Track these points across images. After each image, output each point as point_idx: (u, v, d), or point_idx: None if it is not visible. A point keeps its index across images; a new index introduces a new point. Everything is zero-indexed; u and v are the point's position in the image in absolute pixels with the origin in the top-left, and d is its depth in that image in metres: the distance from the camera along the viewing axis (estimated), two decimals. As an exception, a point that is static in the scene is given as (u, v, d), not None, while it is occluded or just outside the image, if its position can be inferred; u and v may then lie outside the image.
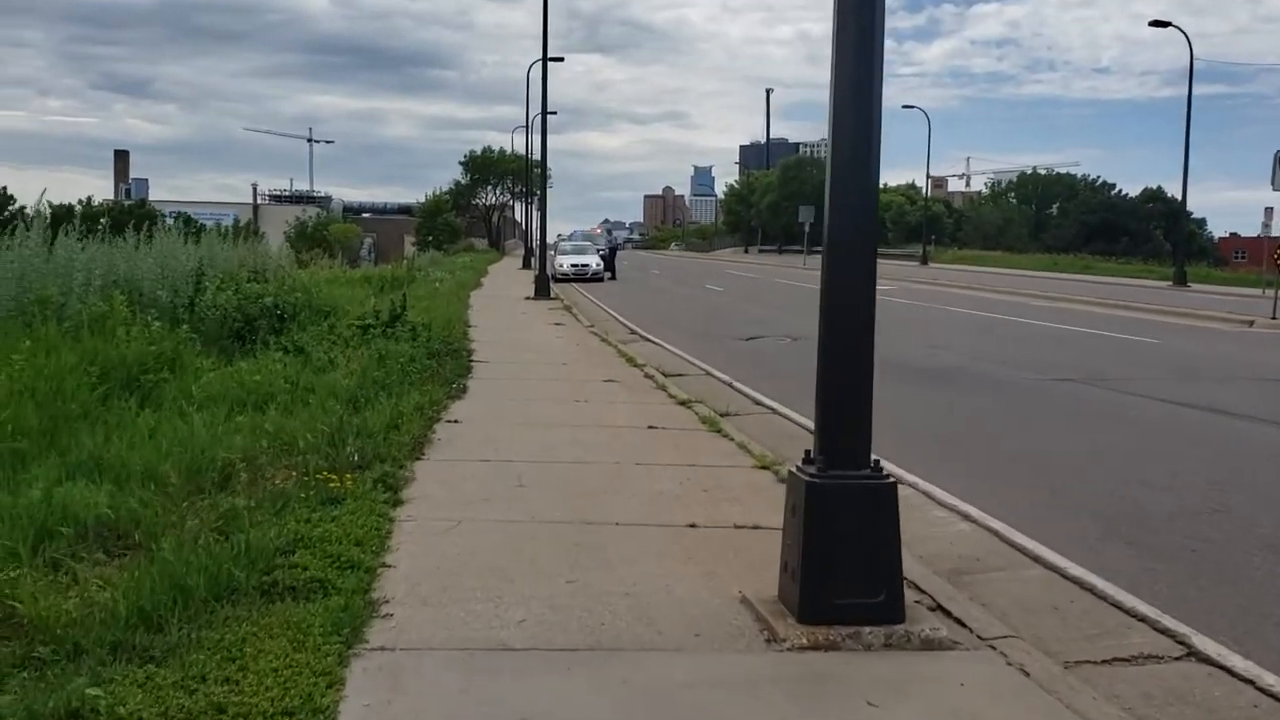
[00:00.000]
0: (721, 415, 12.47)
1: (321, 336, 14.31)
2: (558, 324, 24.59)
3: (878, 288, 5.84)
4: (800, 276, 55.07)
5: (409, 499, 7.74)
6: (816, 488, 5.47)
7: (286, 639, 4.90)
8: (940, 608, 6.08)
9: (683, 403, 13.08)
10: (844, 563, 5.43)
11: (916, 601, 6.00)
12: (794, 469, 5.74)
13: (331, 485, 7.43)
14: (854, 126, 5.58)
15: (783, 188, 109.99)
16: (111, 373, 8.79)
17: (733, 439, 10.77)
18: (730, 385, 15.49)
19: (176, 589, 5.14)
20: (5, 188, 70.77)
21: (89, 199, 70.13)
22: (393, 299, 17.22)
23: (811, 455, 5.67)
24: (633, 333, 24.07)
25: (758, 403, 13.94)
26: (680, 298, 37.92)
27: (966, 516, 8.30)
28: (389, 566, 6.20)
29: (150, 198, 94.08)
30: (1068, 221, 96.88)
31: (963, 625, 5.80)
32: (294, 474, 7.77)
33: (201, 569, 5.33)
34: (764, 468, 9.39)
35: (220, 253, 17.30)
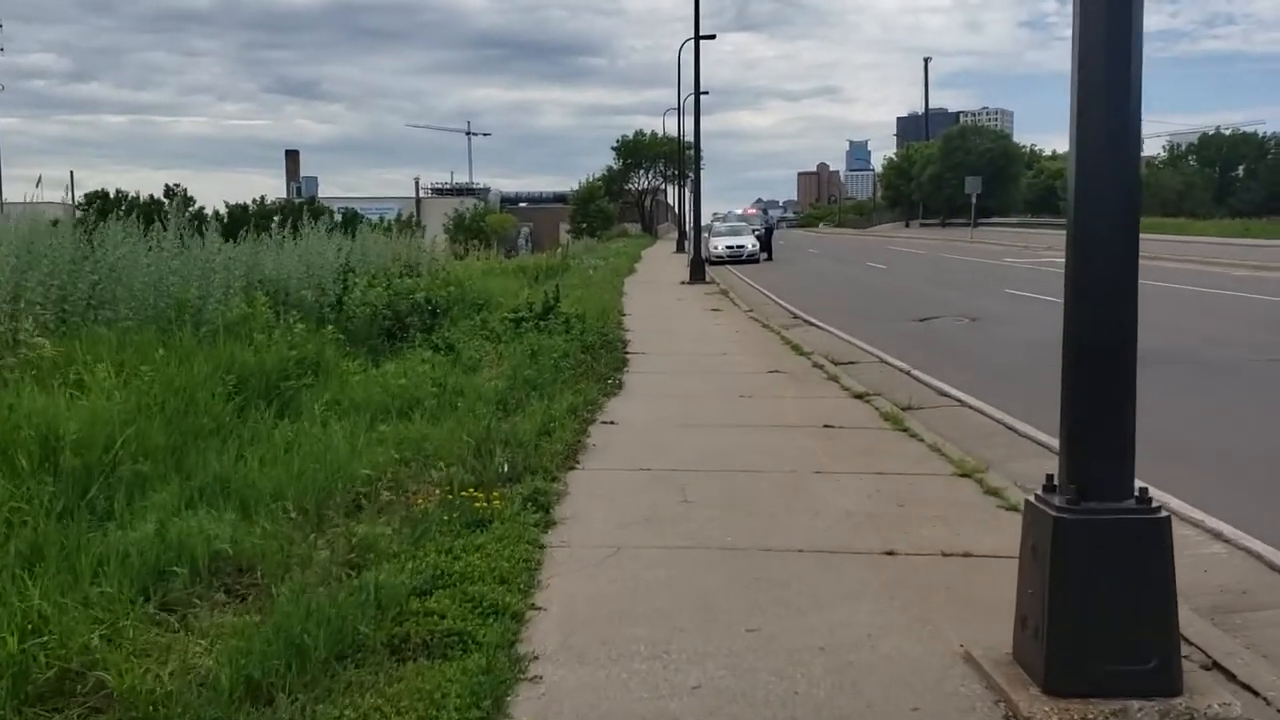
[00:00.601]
0: (904, 410, 11.27)
1: (474, 332, 13.68)
2: (714, 310, 23.59)
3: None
4: (969, 250, 52.64)
5: (562, 519, 6.87)
6: (1067, 525, 4.32)
7: (416, 714, 4.06)
8: (1217, 665, 4.85)
9: (859, 396, 11.93)
10: (1103, 619, 4.28)
11: (1185, 656, 4.79)
12: (1034, 498, 4.59)
13: (477, 505, 6.62)
14: (1109, 87, 4.34)
15: (945, 159, 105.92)
16: (249, 381, 8.22)
17: (922, 439, 9.58)
18: (909, 374, 14.23)
19: (292, 649, 4.36)
20: (186, 189, 73.39)
21: (262, 198, 72.51)
22: (545, 290, 16.53)
23: (1055, 481, 4.51)
24: (795, 317, 22.87)
25: (942, 394, 12.66)
26: (842, 278, 36.39)
27: (1217, 535, 6.96)
28: (538, 609, 5.32)
29: (319, 194, 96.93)
30: (1256, 184, 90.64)
31: (1252, 692, 4.57)
32: (437, 491, 6.99)
33: (322, 622, 4.54)
34: (964, 475, 8.19)
35: (374, 248, 16.89)
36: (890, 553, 6.30)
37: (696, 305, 24.91)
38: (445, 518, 6.41)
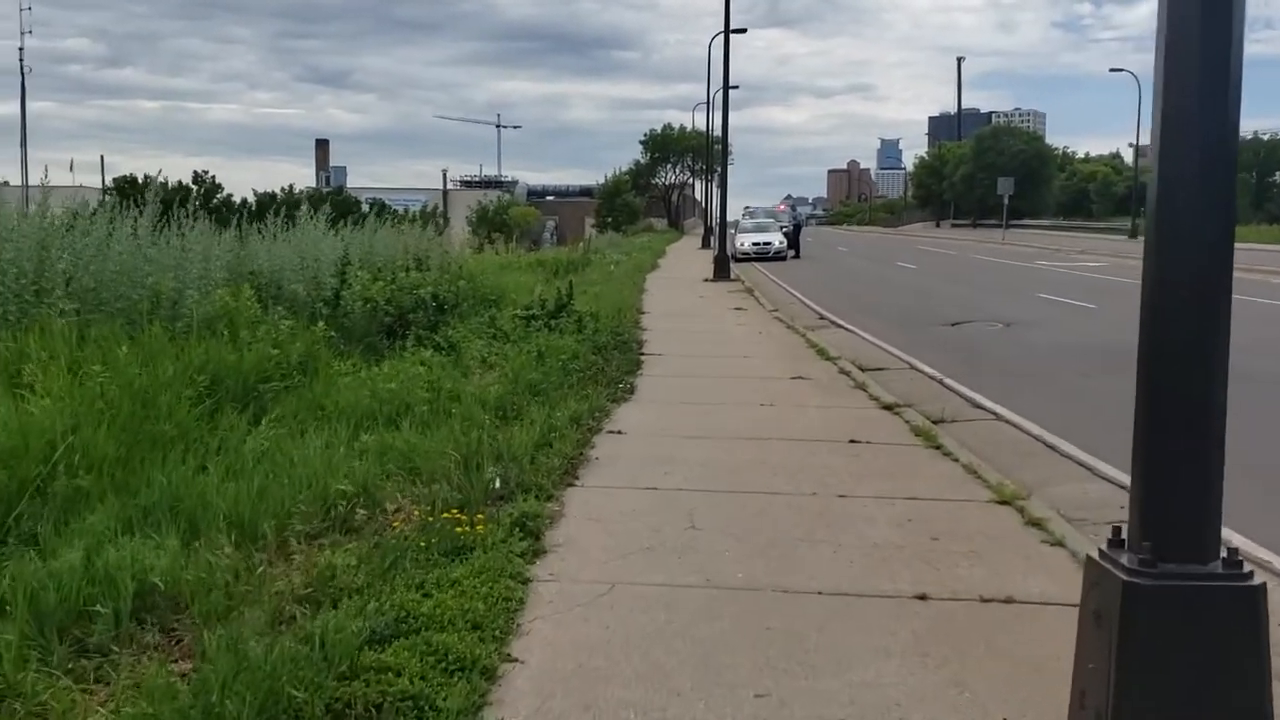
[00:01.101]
0: (936, 422, 10.52)
1: (480, 330, 12.99)
2: (738, 309, 22.82)
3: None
4: (1001, 252, 51.62)
5: (553, 546, 6.15)
6: (1141, 591, 3.55)
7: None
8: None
9: (887, 407, 11.16)
10: (1182, 707, 3.53)
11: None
12: (1099, 554, 3.82)
13: (459, 530, 5.91)
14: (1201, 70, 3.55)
15: (977, 159, 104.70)
16: (224, 382, 7.54)
17: (956, 458, 8.82)
18: (940, 383, 13.44)
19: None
20: (214, 176, 71.94)
21: (290, 186, 71.64)
22: (558, 287, 15.82)
23: (1125, 535, 3.75)
24: (821, 318, 22.09)
25: (977, 405, 11.87)
26: (871, 277, 35.51)
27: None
28: (515, 661, 4.60)
29: (349, 185, 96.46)
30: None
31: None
32: (416, 512, 6.30)
33: (252, 683, 3.84)
34: (1004, 502, 7.42)
35: (381, 240, 16.20)
36: (922, 597, 5.56)
37: (719, 304, 24.15)
38: (423, 543, 5.72)
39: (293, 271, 10.86)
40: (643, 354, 14.64)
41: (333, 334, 10.02)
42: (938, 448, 9.24)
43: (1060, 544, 6.50)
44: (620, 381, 11.80)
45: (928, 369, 14.43)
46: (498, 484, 7.04)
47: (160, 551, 4.88)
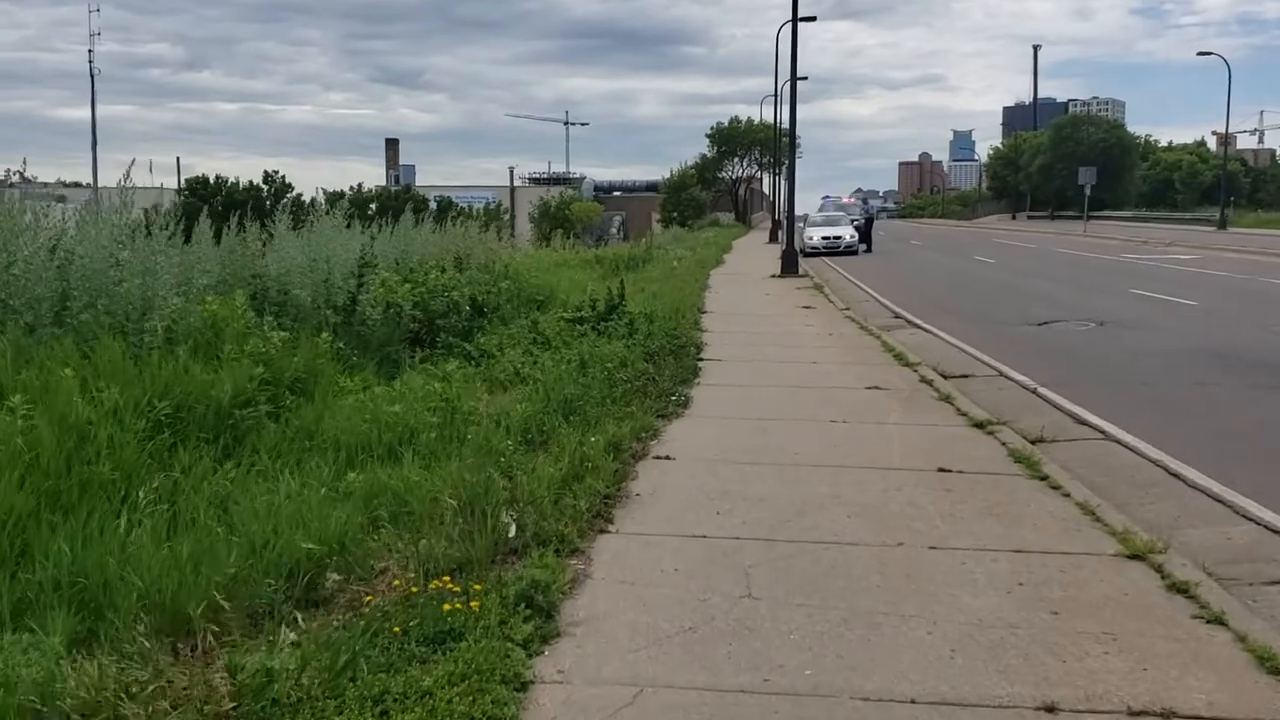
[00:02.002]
0: (1034, 442, 9.08)
1: (519, 336, 11.72)
2: (806, 307, 21.33)
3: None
4: (1083, 245, 49.35)
5: (568, 626, 4.84)
6: None
7: None
8: None
9: (978, 424, 9.71)
10: None
11: None
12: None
13: (448, 607, 4.63)
14: None
15: (1055, 148, 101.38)
16: (193, 409, 6.33)
17: (1067, 492, 7.37)
18: (1035, 393, 11.91)
19: None
20: (284, 176, 70.90)
21: (359, 185, 70.88)
22: (609, 286, 14.52)
23: None
24: (896, 317, 20.53)
25: (1080, 421, 10.34)
26: (947, 272, 33.67)
27: None
28: (492, 823, 3.31)
29: (417, 183, 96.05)
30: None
31: None
32: (399, 579, 5.04)
33: None
34: (1135, 556, 5.98)
35: (418, 239, 15.00)
36: (1050, 709, 4.17)
37: (786, 302, 22.67)
38: (397, 628, 4.45)
39: (301, 275, 9.70)
40: (700, 359, 13.30)
41: (341, 345, 8.79)
42: (1043, 478, 7.79)
43: (1221, 622, 5.06)
44: (672, 393, 10.47)
45: (1018, 376, 12.89)
46: (511, 532, 5.77)
47: (33, 655, 3.66)
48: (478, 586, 4.88)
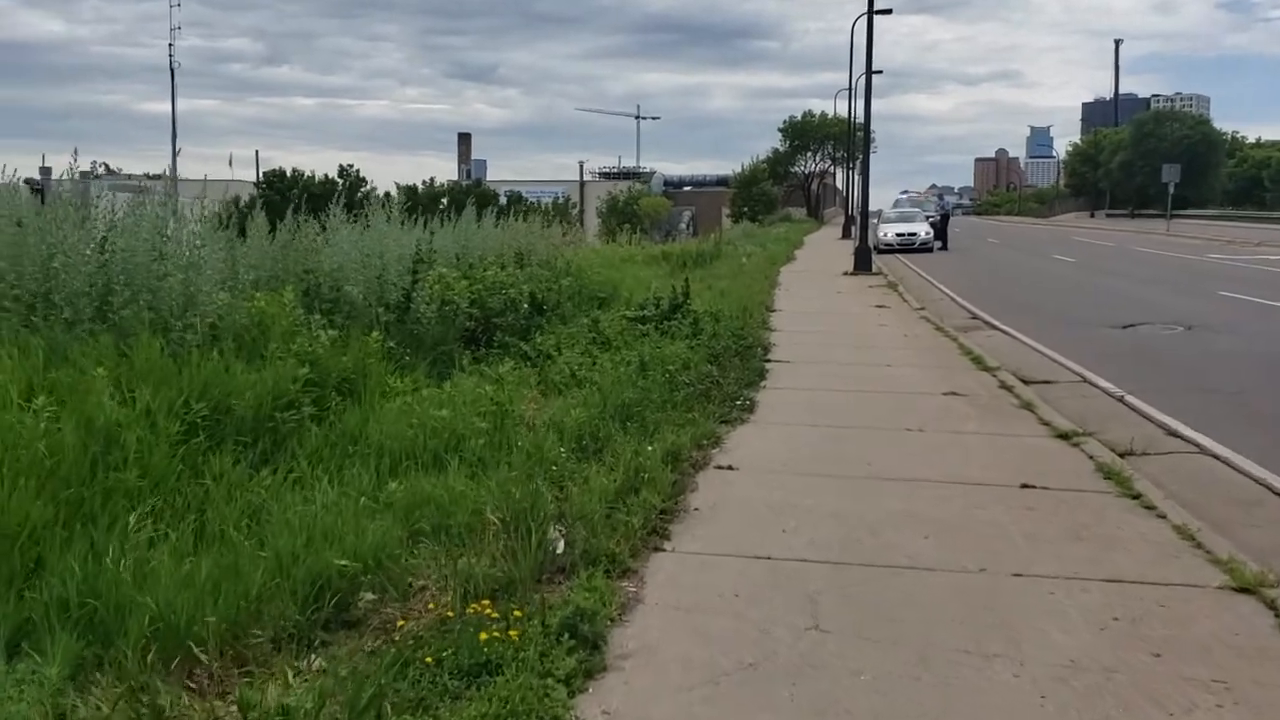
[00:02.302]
0: (1123, 455, 8.49)
1: (579, 335, 11.33)
2: (880, 306, 20.71)
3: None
4: (1166, 244, 47.82)
5: (615, 660, 4.42)
6: None
7: None
8: None
9: (1062, 435, 9.13)
10: None
11: None
12: None
13: (484, 636, 4.25)
14: None
15: (1136, 145, 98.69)
16: (232, 412, 6.03)
17: (1162, 513, 6.79)
18: (1121, 401, 11.26)
19: None
20: (359, 170, 70.65)
21: (431, 180, 71.01)
22: (674, 284, 14.08)
23: None
24: (973, 317, 19.84)
25: (1171, 433, 9.69)
26: (1026, 271, 32.69)
27: None
28: None
29: (488, 177, 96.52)
30: None
31: None
32: (434, 603, 4.67)
33: None
34: (1244, 590, 5.41)
35: (478, 235, 14.67)
36: (1160, 775, 3.67)
37: (859, 300, 22.06)
38: (429, 659, 4.08)
39: (355, 270, 9.40)
40: (768, 360, 12.82)
41: (392, 345, 8.45)
42: (1134, 496, 7.21)
43: (1349, 669, 4.50)
44: (737, 397, 10.00)
45: (1103, 383, 12.21)
46: (559, 549, 5.38)
47: (27, 688, 3.34)
48: (518, 613, 4.49)
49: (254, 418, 6.14)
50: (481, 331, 10.57)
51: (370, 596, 4.78)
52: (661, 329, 12.53)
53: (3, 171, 7.57)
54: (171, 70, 56.54)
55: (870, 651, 4.60)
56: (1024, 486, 7.40)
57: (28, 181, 7.60)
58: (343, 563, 4.78)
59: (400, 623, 4.47)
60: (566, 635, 4.37)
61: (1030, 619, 5.01)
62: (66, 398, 5.48)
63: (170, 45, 57.79)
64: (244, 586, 4.32)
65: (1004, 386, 11.52)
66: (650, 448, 7.08)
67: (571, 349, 10.45)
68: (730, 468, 7.67)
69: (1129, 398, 11.39)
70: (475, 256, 13.62)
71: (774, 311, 18.84)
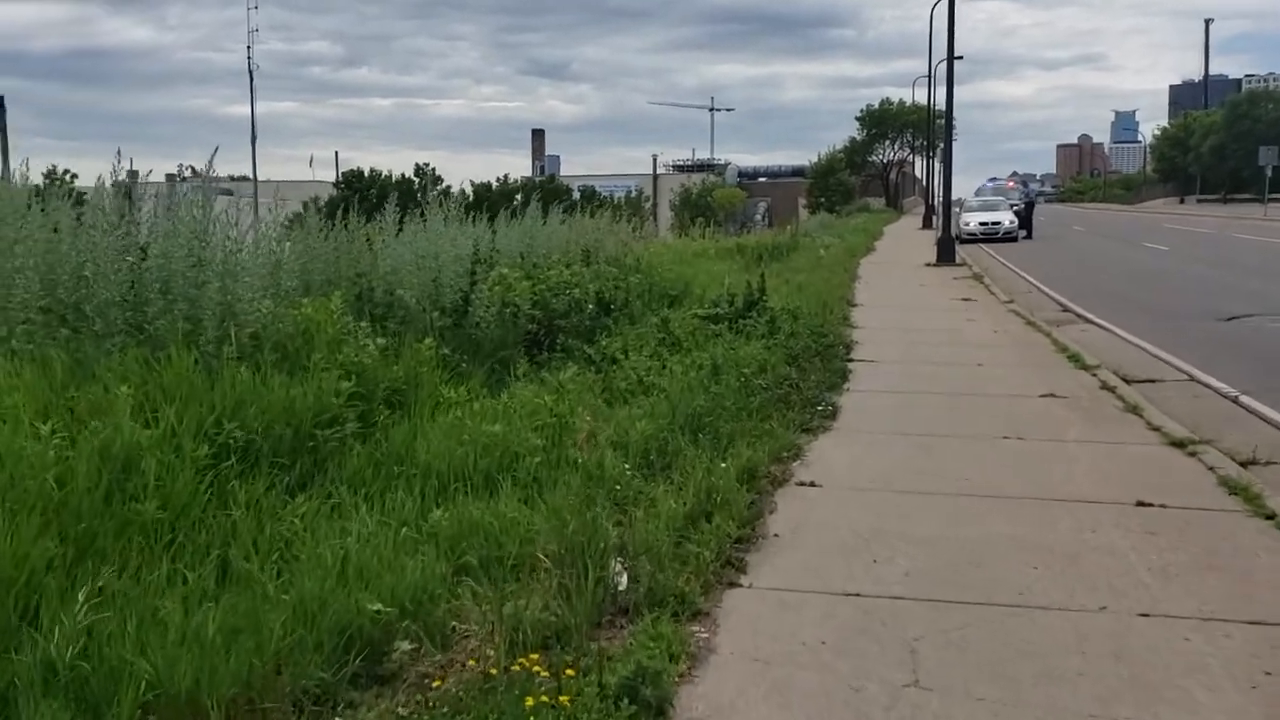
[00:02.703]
0: (1246, 465, 7.70)
1: (648, 336, 10.72)
2: (965, 299, 19.81)
3: None
4: (1265, 230, 45.83)
5: (682, 729, 3.82)
6: None
7: None
8: None
9: (1176, 443, 8.32)
10: None
11: None
12: None
13: (530, 702, 3.68)
14: None
15: (1230, 128, 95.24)
16: (270, 431, 5.52)
17: (1305, 538, 6.00)
18: (1235, 402, 10.38)
19: None
20: (434, 169, 69.51)
21: (505, 176, 70.67)
22: (749, 279, 13.39)
23: None
24: (1064, 310, 18.87)
25: (1298, 437, 8.83)
26: (1117, 260, 31.32)
27: None
28: None
29: (561, 173, 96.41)
30: None
31: None
32: (492, 644, 4.12)
33: None
34: None
35: (543, 232, 14.10)
36: None
37: (943, 294, 21.16)
38: (467, 727, 3.52)
39: (410, 273, 8.86)
40: (850, 360, 12.11)
41: (447, 352, 7.89)
42: (1269, 516, 6.43)
43: None
44: (818, 402, 9.33)
45: (1213, 382, 11.30)
46: (622, 586, 4.79)
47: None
48: (570, 672, 3.91)
49: (292, 436, 5.65)
50: (544, 334, 9.99)
51: (406, 646, 4.23)
52: (736, 328, 11.87)
53: (103, 178, 7.24)
54: (250, 73, 57.14)
55: (981, 716, 3.93)
56: (1140, 504, 6.64)
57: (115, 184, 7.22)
58: (376, 608, 4.23)
59: (436, 682, 3.91)
60: (626, 700, 3.78)
61: (1166, 674, 4.30)
62: (85, 419, 5.02)
63: (249, 48, 58.29)
64: (261, 640, 3.79)
65: (1105, 387, 10.69)
66: (724, 464, 6.45)
67: (640, 351, 9.83)
68: (812, 484, 7.01)
69: (1244, 398, 10.50)
70: (540, 255, 13.08)
71: (855, 306, 18.06)
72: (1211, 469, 7.53)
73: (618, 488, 5.89)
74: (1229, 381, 11.20)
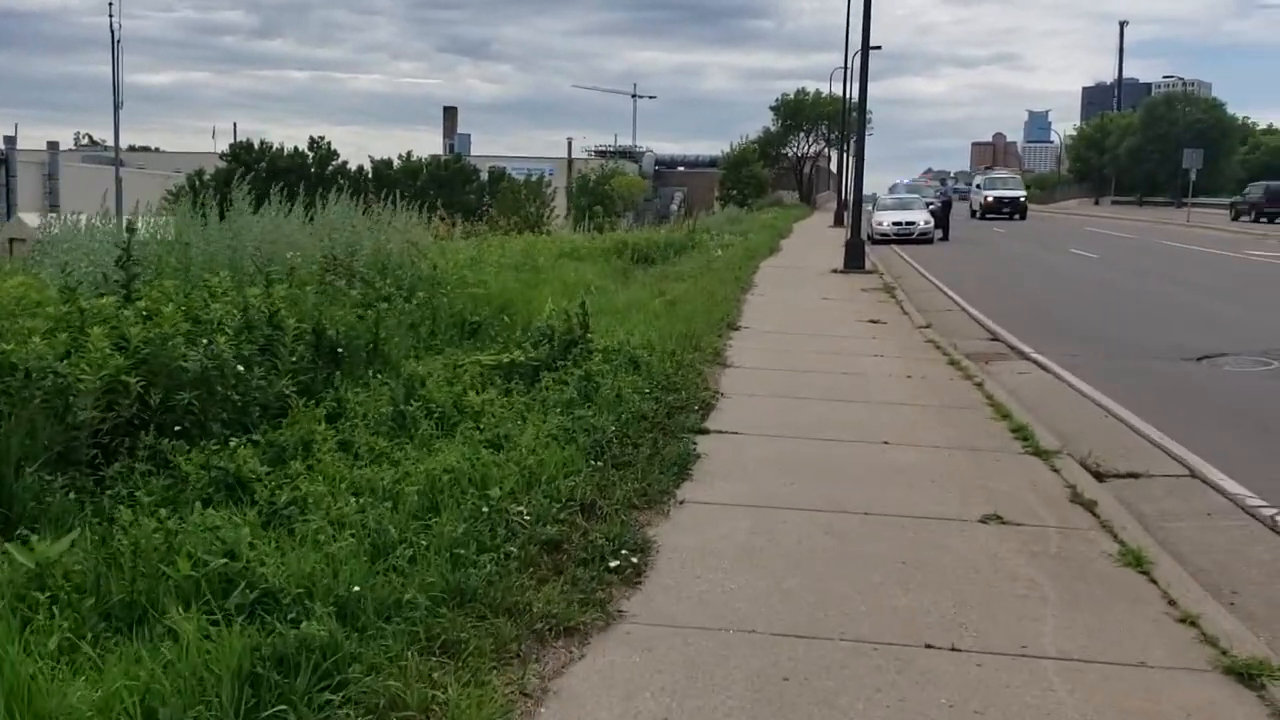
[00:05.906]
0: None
1: (373, 407, 6.78)
2: (874, 322, 16.19)
3: None
4: (1191, 237, 43.30)
5: None
6: None
7: None
8: None
9: (1183, 620, 4.72)
10: None
11: None
12: None
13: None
14: None
15: (1146, 129, 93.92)
16: None
17: None
18: (1273, 527, 6.85)
19: None
20: (330, 143, 62.30)
21: (408, 154, 64.24)
22: (568, 310, 9.41)
23: None
24: (993, 339, 15.40)
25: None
26: (1043, 270, 27.97)
27: None
28: None
29: (473, 153, 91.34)
30: None
31: None
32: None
33: None
34: None
35: (291, 233, 9.87)
36: None
37: (848, 312, 17.52)
38: None
39: None
40: (702, 432, 8.26)
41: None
42: None
43: None
44: (620, 541, 5.49)
45: (1228, 484, 7.78)
46: None
47: None
48: None
49: None
50: (140, 424, 5.73)
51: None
52: (538, 382, 8.03)
53: None
54: (113, 31, 51.35)
55: None
56: None
57: None
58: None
59: None
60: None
61: None
62: None
63: (110, 4, 52.39)
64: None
65: (1076, 498, 7.05)
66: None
67: (346, 449, 5.89)
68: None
69: (1263, 508, 7.06)
70: (296, 261, 9.05)
71: (736, 331, 14.31)
72: (1237, 668, 3.95)
73: None
74: (1244, 480, 7.75)
